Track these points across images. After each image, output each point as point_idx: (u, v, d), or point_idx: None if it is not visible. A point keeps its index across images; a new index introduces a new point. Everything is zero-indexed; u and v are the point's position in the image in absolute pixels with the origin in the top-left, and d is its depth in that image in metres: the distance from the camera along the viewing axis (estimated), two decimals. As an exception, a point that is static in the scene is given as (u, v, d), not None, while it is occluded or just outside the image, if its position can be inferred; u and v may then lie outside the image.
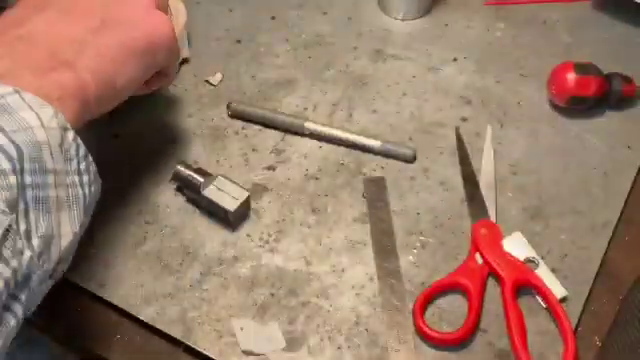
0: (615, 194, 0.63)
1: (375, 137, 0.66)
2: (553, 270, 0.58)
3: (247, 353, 0.55)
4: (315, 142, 0.67)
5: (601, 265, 0.59)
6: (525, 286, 0.57)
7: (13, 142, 0.40)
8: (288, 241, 0.61)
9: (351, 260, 0.60)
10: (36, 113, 0.42)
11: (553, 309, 0.55)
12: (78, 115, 0.47)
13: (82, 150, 0.46)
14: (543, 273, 0.57)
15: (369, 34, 0.76)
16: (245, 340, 0.55)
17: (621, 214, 0.62)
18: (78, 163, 0.45)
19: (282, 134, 0.68)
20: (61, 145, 0.43)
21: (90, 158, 0.47)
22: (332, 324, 0.56)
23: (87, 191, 0.46)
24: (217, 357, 0.55)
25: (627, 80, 0.67)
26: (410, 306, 0.56)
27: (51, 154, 0.43)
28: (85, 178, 0.46)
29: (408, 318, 0.56)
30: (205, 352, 0.55)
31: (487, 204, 0.62)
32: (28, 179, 0.41)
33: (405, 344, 0.55)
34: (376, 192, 0.63)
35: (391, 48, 0.74)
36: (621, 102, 0.67)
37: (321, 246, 0.60)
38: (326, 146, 0.67)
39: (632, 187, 0.63)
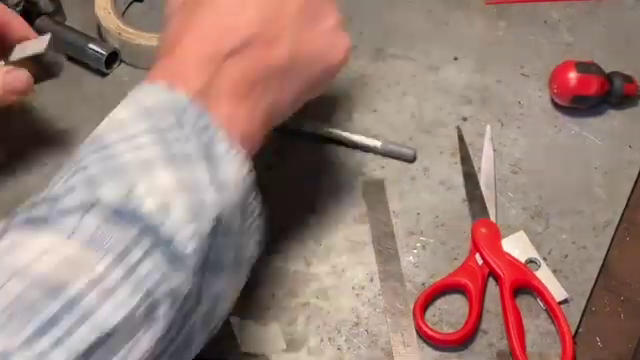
0: (616, 194, 0.62)
1: (375, 137, 0.66)
2: (554, 270, 0.58)
3: (247, 354, 0.55)
4: (315, 142, 0.67)
5: (602, 265, 0.59)
6: (525, 287, 0.57)
7: (219, 202, 0.39)
8: (288, 241, 0.61)
9: (351, 260, 0.59)
10: (236, 167, 0.41)
11: (552, 311, 0.55)
12: None
13: (258, 208, 0.43)
14: (544, 275, 0.57)
15: (369, 34, 0.75)
16: (245, 340, 0.55)
17: (622, 214, 0.61)
18: (252, 222, 0.43)
19: (282, 134, 0.67)
20: (245, 204, 0.42)
21: (262, 216, 0.44)
22: (332, 325, 0.56)
23: (254, 251, 0.44)
24: (217, 357, 0.55)
25: (628, 79, 0.67)
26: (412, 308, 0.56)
27: (240, 214, 0.41)
28: (255, 238, 0.44)
29: (412, 321, 0.56)
30: (205, 352, 0.55)
31: (487, 204, 0.61)
32: (217, 241, 0.39)
33: (410, 347, 0.54)
34: (375, 194, 0.63)
35: (391, 47, 0.74)
36: (622, 101, 0.67)
37: (321, 246, 0.60)
38: (326, 146, 0.67)
39: (634, 187, 0.63)
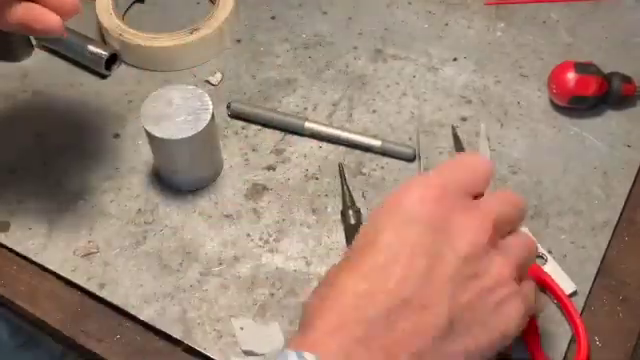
0: (615, 194, 0.63)
1: (375, 137, 0.66)
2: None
3: (247, 353, 0.55)
4: (315, 142, 0.67)
5: (601, 265, 0.59)
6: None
7: None
8: (288, 241, 0.61)
9: (351, 260, 0.59)
10: None
11: (563, 304, 0.55)
12: None
13: None
14: (552, 269, 0.57)
15: (369, 34, 0.75)
16: (245, 340, 0.55)
17: (621, 214, 0.62)
18: None
19: (282, 134, 0.68)
20: None
21: None
22: (332, 324, 0.56)
23: None
24: (217, 357, 0.55)
25: (627, 79, 0.67)
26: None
27: None
28: None
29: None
30: (205, 352, 0.55)
31: (487, 204, 0.61)
32: None
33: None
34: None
35: (391, 48, 0.74)
36: (621, 101, 0.67)
37: (321, 246, 0.60)
38: (326, 146, 0.67)
39: (632, 187, 0.63)
